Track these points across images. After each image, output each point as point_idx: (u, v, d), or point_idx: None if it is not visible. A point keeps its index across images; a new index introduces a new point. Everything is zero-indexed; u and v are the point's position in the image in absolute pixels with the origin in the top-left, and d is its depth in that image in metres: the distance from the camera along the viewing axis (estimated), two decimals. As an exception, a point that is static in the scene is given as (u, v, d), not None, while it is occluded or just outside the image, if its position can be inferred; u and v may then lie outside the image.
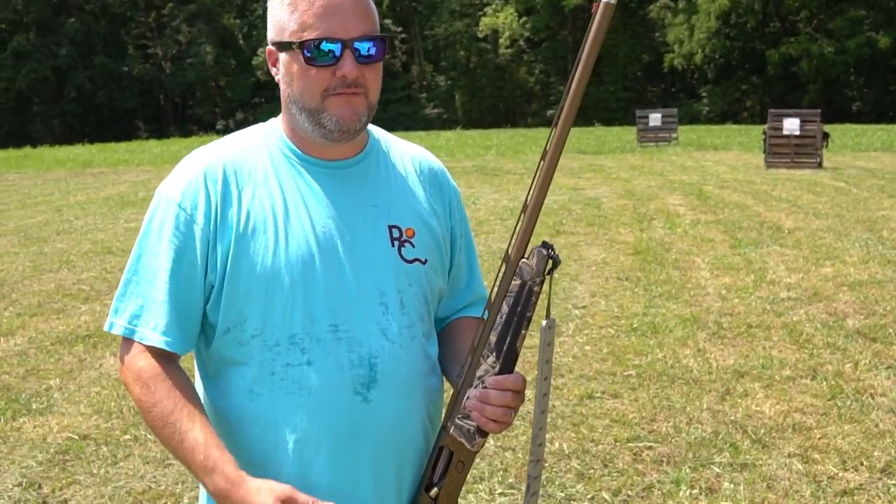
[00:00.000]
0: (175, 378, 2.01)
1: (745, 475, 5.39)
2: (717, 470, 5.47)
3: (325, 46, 1.97)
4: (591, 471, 5.50)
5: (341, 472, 2.05)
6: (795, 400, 6.59)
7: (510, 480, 5.35)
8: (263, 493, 1.85)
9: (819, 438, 5.89)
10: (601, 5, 1.77)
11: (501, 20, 73.57)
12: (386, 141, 2.27)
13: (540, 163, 1.88)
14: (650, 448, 5.80)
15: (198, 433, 1.93)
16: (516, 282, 1.88)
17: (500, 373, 1.94)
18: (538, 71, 76.20)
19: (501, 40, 74.82)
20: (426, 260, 2.16)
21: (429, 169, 2.29)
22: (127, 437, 6.15)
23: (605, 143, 38.59)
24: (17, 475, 5.59)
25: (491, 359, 1.94)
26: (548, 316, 1.90)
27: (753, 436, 5.93)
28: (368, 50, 2.01)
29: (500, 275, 1.93)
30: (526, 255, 1.89)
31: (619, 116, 62.82)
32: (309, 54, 1.98)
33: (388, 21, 77.37)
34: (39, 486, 5.44)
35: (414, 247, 2.14)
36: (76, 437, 6.15)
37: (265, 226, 2.02)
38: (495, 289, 1.94)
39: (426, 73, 78.38)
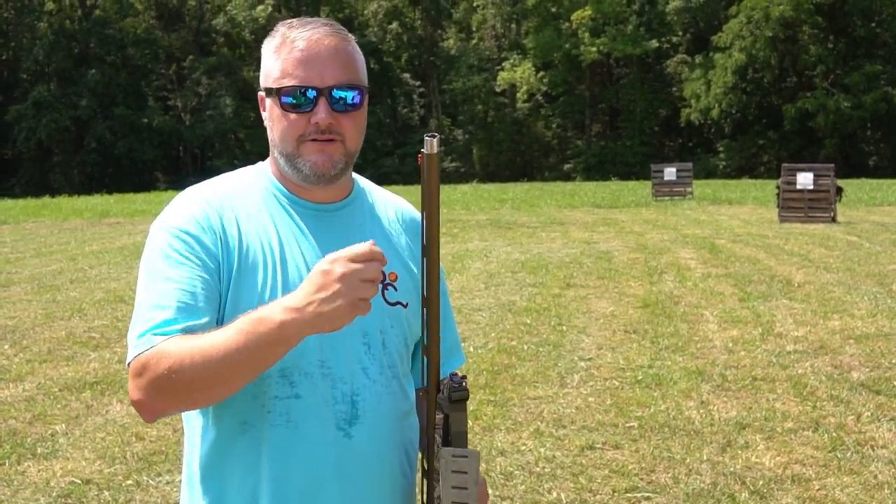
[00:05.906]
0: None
1: (742, 526, 5.40)
2: (714, 520, 5.49)
3: (300, 94, 2.05)
4: (588, 520, 5.52)
5: None
6: (796, 452, 6.59)
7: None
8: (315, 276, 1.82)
9: (817, 490, 5.90)
10: (425, 157, 1.85)
11: (519, 75, 74.04)
12: (370, 190, 2.34)
13: (423, 309, 1.96)
14: (648, 499, 5.81)
15: (219, 331, 1.87)
16: (440, 415, 1.94)
17: None
18: (555, 125, 76.67)
19: (519, 94, 75.31)
20: (407, 303, 2.22)
21: (410, 218, 2.35)
22: (129, 482, 6.19)
23: (621, 197, 38.71)
24: (19, 519, 5.64)
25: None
26: (447, 443, 1.92)
27: (752, 487, 5.93)
28: (344, 98, 2.08)
29: (427, 412, 2.00)
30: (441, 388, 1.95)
31: (637, 171, 62.90)
32: (286, 101, 2.06)
33: (406, 75, 77.95)
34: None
35: (396, 290, 2.19)
36: (79, 482, 6.20)
37: (264, 262, 2.07)
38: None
39: (444, 126, 78.78)
